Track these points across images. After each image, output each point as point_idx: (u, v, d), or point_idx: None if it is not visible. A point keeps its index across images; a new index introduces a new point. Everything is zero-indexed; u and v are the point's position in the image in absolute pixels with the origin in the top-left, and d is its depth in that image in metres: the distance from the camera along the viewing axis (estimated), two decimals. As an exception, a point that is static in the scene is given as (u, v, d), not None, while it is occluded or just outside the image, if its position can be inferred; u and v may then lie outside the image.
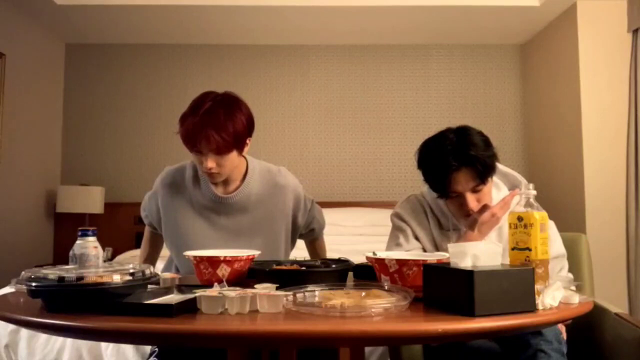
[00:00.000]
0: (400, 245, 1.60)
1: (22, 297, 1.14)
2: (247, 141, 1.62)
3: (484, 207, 1.51)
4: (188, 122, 1.55)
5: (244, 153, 1.68)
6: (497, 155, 1.51)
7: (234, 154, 1.58)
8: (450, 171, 1.45)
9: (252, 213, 1.71)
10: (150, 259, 1.90)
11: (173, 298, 1.08)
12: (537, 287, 1.03)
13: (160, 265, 1.94)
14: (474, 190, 1.49)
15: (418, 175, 1.56)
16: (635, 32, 3.41)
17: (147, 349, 1.96)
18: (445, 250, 1.38)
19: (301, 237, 1.92)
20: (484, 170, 1.46)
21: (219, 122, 1.52)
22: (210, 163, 1.55)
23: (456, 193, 1.49)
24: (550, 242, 1.22)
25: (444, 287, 1.03)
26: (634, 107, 3.37)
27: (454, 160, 1.44)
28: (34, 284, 1.01)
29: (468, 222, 1.52)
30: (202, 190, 1.69)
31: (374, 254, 1.24)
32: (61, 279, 1.00)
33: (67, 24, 4.05)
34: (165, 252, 1.92)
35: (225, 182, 1.69)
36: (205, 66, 4.45)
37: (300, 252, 1.93)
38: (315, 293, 1.10)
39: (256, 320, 0.96)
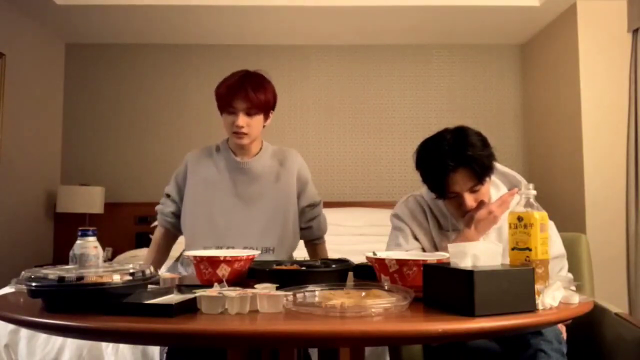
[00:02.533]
0: (400, 245, 1.60)
1: (22, 297, 1.14)
2: (270, 114, 1.83)
3: (481, 204, 1.51)
4: (226, 84, 1.76)
5: (266, 124, 1.83)
6: (495, 155, 1.51)
7: (260, 119, 1.78)
8: (447, 172, 1.45)
9: (266, 180, 1.84)
10: (157, 263, 1.90)
11: (173, 298, 1.08)
12: (537, 287, 1.03)
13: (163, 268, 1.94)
14: (472, 190, 1.49)
15: (418, 176, 1.56)
16: (635, 32, 3.41)
17: (148, 348, 1.96)
18: (445, 250, 1.38)
19: (302, 235, 1.93)
20: (481, 170, 1.46)
21: (255, 84, 1.75)
22: (242, 121, 1.73)
23: (454, 193, 1.49)
24: (550, 242, 1.22)
25: (444, 287, 1.03)
26: (634, 107, 3.37)
27: (451, 161, 1.44)
28: (34, 284, 1.01)
29: (465, 219, 1.52)
30: (225, 157, 1.86)
31: (374, 254, 1.24)
32: (61, 279, 1.00)
33: (67, 24, 4.05)
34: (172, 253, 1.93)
35: (245, 154, 1.85)
36: (205, 66, 4.44)
37: (300, 252, 1.93)
38: (315, 293, 1.10)
39: (256, 320, 0.96)
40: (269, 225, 1.79)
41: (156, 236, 1.92)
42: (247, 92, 1.72)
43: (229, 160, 1.84)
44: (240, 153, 1.85)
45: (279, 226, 1.81)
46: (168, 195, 1.91)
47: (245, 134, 1.75)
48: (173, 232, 1.91)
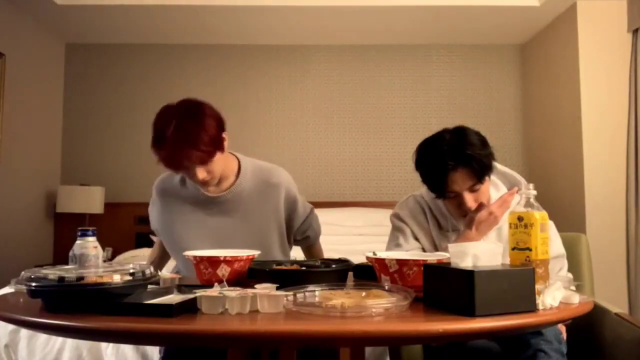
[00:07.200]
0: (400, 245, 1.60)
1: (22, 297, 1.14)
2: (224, 137, 1.57)
3: (481, 205, 1.51)
4: (163, 150, 1.49)
5: (227, 149, 1.63)
6: (494, 154, 1.51)
7: (218, 156, 1.55)
8: (447, 171, 1.45)
9: (244, 212, 1.69)
10: (159, 263, 1.89)
11: (173, 298, 1.08)
12: (538, 287, 1.03)
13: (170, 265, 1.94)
14: (472, 190, 1.49)
15: (418, 176, 1.56)
16: (635, 32, 3.41)
17: (148, 349, 1.96)
18: (445, 250, 1.38)
19: (296, 243, 1.89)
20: (481, 169, 1.46)
21: (192, 138, 1.47)
22: (201, 174, 1.53)
23: (454, 193, 1.49)
24: (550, 242, 1.22)
25: (445, 287, 1.03)
26: (634, 107, 3.37)
27: (450, 160, 1.44)
28: (34, 284, 1.01)
29: (466, 220, 1.52)
30: (192, 191, 1.68)
31: (374, 254, 1.24)
32: (61, 279, 1.00)
33: (67, 24, 4.05)
34: None
35: (218, 182, 1.66)
36: (205, 66, 4.44)
37: (296, 252, 1.92)
38: (315, 293, 1.10)
39: (256, 320, 0.96)
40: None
41: (158, 241, 1.89)
42: (189, 152, 1.47)
43: (200, 194, 1.66)
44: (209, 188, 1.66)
45: (264, 256, 1.67)
46: (152, 221, 1.81)
47: (211, 179, 1.57)
48: None
